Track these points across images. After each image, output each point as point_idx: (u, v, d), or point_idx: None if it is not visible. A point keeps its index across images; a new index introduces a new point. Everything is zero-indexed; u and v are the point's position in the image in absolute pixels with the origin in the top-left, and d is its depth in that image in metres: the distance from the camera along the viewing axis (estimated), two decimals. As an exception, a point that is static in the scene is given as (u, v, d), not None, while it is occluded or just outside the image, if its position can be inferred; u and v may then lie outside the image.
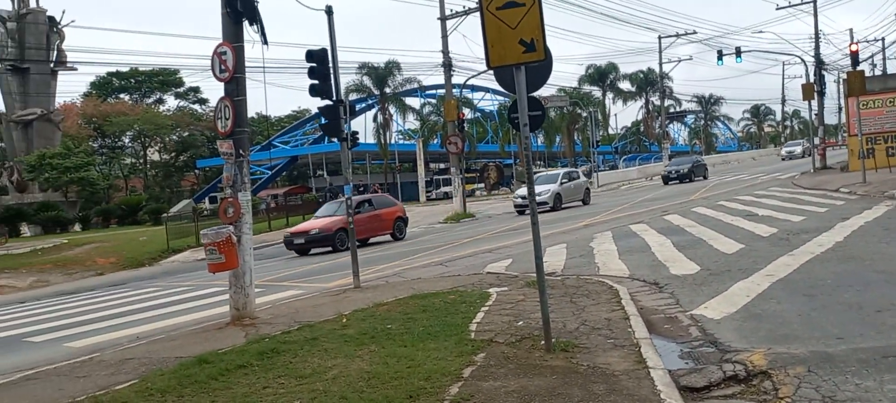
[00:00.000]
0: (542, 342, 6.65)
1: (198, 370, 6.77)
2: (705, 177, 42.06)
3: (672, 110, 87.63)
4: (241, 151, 9.91)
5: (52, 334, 11.16)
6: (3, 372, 8.34)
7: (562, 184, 31.43)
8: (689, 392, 5.42)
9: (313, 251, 22.53)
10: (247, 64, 10.20)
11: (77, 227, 45.20)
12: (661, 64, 65.79)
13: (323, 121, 12.27)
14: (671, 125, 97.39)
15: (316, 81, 11.89)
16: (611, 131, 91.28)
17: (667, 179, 41.97)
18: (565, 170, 36.64)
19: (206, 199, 66.55)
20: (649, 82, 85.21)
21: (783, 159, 54.73)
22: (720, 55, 45.28)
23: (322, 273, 16.41)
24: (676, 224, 18.25)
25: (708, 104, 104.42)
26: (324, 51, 11.92)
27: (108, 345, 9.62)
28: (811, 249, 11.56)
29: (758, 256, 11.51)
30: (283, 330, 8.68)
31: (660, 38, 60.59)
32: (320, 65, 11.85)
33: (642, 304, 8.78)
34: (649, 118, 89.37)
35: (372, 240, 24.06)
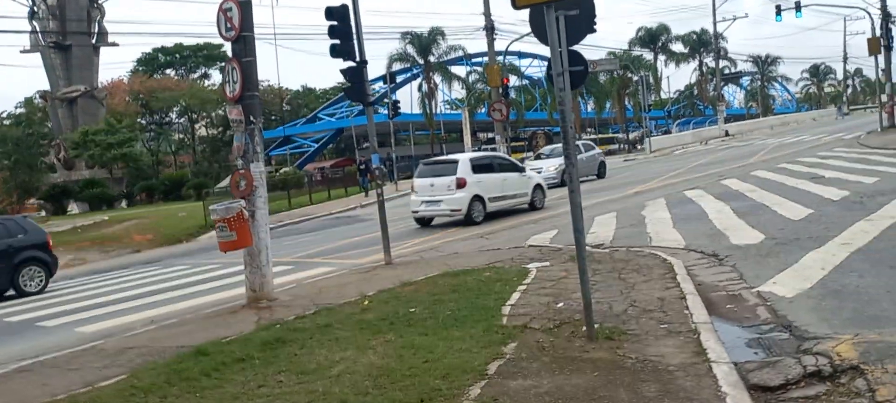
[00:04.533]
0: (584, 328, 5.70)
1: (192, 363, 6.02)
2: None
3: (727, 72, 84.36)
4: (251, 118, 9.11)
5: (67, 318, 10.61)
6: (3, 362, 7.75)
7: None
8: (761, 392, 4.43)
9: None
10: (280, 31, 9.36)
11: (123, 204, 45.57)
12: (715, 23, 63.17)
13: (346, 84, 11.36)
14: (726, 87, 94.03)
15: (337, 41, 10.98)
16: (663, 95, 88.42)
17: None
18: None
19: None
20: (703, 43, 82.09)
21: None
22: (779, 11, 42.92)
23: (359, 247, 15.67)
24: (735, 189, 16.97)
25: (765, 65, 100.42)
26: (344, 7, 10.97)
27: (119, 330, 8.99)
28: (890, 213, 10.31)
29: (829, 222, 10.31)
30: (298, 314, 7.89)
31: (714, -6, 57.96)
32: (341, 23, 10.92)
33: (700, 280, 7.73)
34: (703, 80, 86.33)
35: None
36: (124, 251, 22.88)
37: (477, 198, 17.37)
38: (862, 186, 14.10)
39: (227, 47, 9.18)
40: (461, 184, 17.26)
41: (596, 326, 5.71)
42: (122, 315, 10.21)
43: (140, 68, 76.84)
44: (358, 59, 11.25)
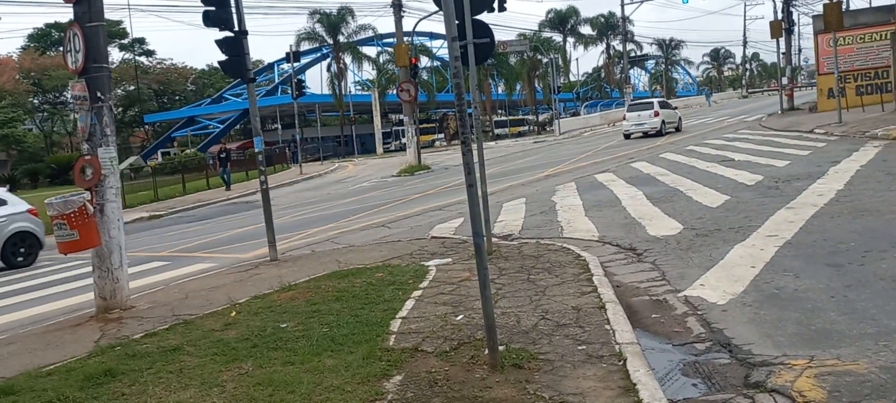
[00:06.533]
0: (487, 351, 4.65)
1: (-14, 410, 4.65)
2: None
3: (633, 55, 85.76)
4: (99, 94, 7.62)
5: None
6: None
7: None
8: (707, 444, 3.47)
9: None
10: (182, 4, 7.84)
11: (7, 188, 41.99)
12: (623, 6, 63.75)
13: (222, 57, 9.89)
14: (632, 70, 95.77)
15: (211, 7, 9.54)
16: (572, 77, 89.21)
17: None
18: None
19: (159, 154, 63.45)
20: (610, 26, 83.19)
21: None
22: (685, -7, 43.34)
23: (248, 239, 14.21)
24: (646, 172, 16.44)
25: (669, 48, 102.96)
26: (219, -32, 9.55)
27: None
28: (811, 200, 9.75)
29: (749, 210, 9.68)
30: (149, 329, 6.55)
31: (621, -23, 58.36)
32: (215, -14, 9.49)
33: (619, 280, 6.84)
34: (610, 63, 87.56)
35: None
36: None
37: (663, 122, 30.22)
38: (775, 170, 13.71)
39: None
40: (656, 114, 30.31)
41: (501, 348, 4.68)
42: (-54, 328, 8.53)
43: (31, 45, 71.36)
44: (237, 28, 9.84)
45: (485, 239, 4.48)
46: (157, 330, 6.43)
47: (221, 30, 9.76)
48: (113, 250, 7.68)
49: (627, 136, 30.70)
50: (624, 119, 31.96)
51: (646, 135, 29.96)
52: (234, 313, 6.69)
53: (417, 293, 6.73)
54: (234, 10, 9.75)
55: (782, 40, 37.32)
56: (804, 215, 8.75)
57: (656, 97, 38.47)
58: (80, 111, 7.66)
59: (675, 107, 35.45)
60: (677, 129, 31.90)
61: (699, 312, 5.49)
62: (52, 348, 6.46)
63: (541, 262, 7.75)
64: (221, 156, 32.28)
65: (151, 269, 11.62)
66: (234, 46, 9.81)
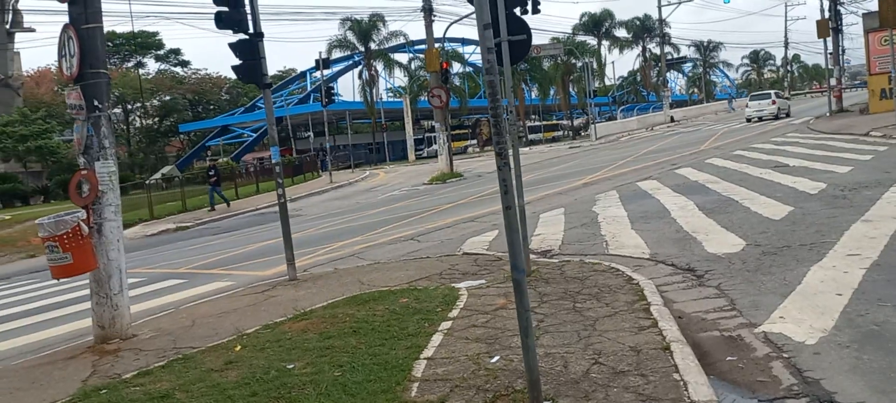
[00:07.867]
0: (529, 407, 3.77)
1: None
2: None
3: (670, 58, 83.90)
4: (96, 103, 6.92)
5: None
6: None
7: None
8: None
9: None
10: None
11: (41, 200, 42.17)
12: (660, 8, 62.36)
13: (236, 61, 9.15)
14: (668, 73, 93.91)
15: (224, 8, 8.82)
16: (607, 81, 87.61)
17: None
18: None
19: (207, 161, 63.77)
20: (646, 29, 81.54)
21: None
22: (726, -7, 42.02)
23: (271, 253, 13.50)
24: (694, 179, 15.38)
25: (707, 51, 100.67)
26: (231, -35, 8.83)
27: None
28: (890, 212, 8.71)
29: (819, 224, 8.64)
30: (143, 367, 5.79)
31: (658, -21, 56.97)
32: (227, -16, 8.77)
33: (680, 309, 5.90)
34: (646, 67, 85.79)
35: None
36: (16, 256, 20.17)
37: (778, 108, 38.54)
38: (837, 177, 12.59)
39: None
40: (774, 102, 38.78)
41: (547, 404, 3.80)
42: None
43: (69, 56, 72.29)
44: (251, 30, 9.12)
45: (525, 272, 3.59)
46: (152, 368, 5.67)
47: (235, 32, 9.04)
48: (112, 274, 6.96)
49: (749, 120, 38.71)
50: (747, 106, 41.06)
51: (761, 119, 37.97)
52: (238, 347, 5.90)
53: (446, 324, 5.87)
54: (248, 10, 9.02)
55: (829, 40, 35.77)
56: (885, 229, 7.71)
57: (773, 90, 46.63)
58: (76, 121, 6.96)
59: (788, 97, 48.10)
60: (787, 115, 39.62)
61: (785, 354, 4.54)
62: (36, 387, 5.73)
63: (587, 286, 6.83)
64: (210, 173, 29.03)
65: (167, 288, 10.96)
66: (249, 50, 9.08)
